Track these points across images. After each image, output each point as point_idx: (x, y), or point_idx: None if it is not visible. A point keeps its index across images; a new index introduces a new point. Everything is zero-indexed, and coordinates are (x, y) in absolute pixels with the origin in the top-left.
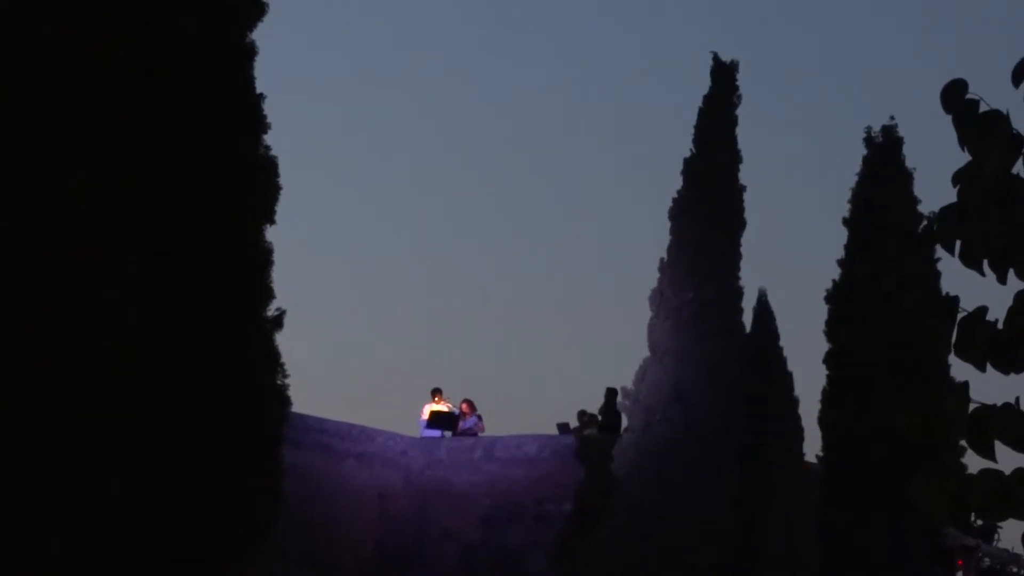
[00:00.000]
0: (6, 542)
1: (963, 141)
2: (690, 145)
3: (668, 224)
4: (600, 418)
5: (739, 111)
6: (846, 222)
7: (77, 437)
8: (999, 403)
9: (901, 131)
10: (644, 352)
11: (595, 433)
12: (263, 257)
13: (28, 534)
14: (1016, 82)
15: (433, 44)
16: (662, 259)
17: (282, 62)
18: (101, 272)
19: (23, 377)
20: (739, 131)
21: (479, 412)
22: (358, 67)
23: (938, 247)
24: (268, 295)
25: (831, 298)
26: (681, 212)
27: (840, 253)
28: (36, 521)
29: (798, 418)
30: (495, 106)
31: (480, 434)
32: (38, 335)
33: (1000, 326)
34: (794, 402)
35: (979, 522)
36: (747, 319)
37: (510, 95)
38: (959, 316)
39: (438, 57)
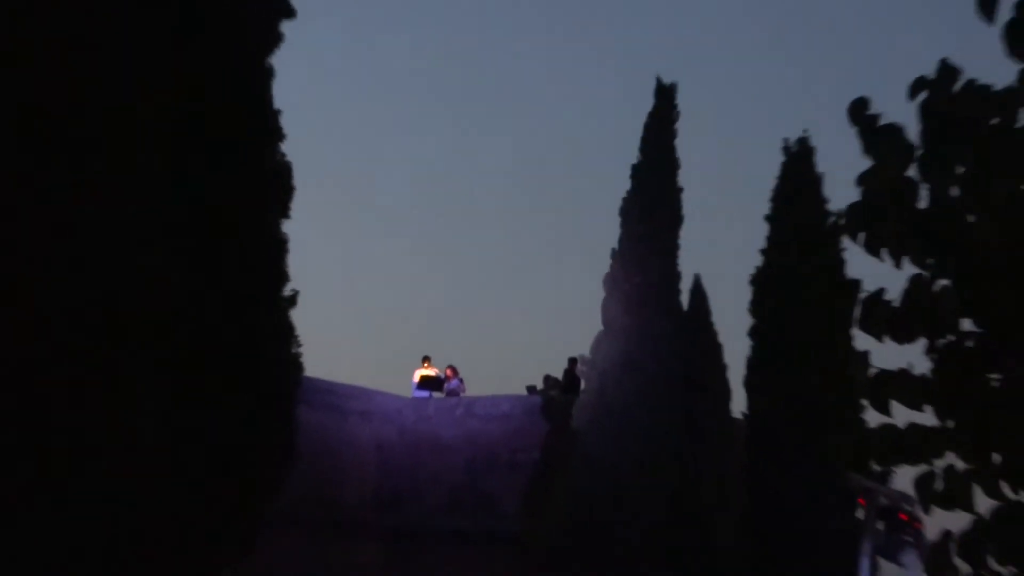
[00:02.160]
0: (57, 492)
1: (866, 150)
2: (637, 153)
3: (619, 219)
4: (562, 381)
5: (678, 125)
6: (768, 218)
7: (119, 393)
8: (895, 368)
9: (813, 142)
10: (599, 327)
11: (558, 394)
12: (280, 246)
13: (78, 467)
14: (912, 96)
15: (416, 46)
16: (614, 249)
17: (295, 80)
18: (148, 260)
19: (68, 328)
20: (678, 142)
21: (461, 376)
22: (357, 82)
23: (844, 238)
24: (284, 278)
25: (755, 281)
26: (630, 209)
27: (763, 244)
28: (81, 465)
29: (727, 382)
30: (481, 101)
31: (462, 394)
32: (93, 303)
33: (896, 304)
34: (723, 368)
35: (878, 468)
36: (684, 299)
37: (500, 93)
38: (861, 296)
39: (420, 48)
